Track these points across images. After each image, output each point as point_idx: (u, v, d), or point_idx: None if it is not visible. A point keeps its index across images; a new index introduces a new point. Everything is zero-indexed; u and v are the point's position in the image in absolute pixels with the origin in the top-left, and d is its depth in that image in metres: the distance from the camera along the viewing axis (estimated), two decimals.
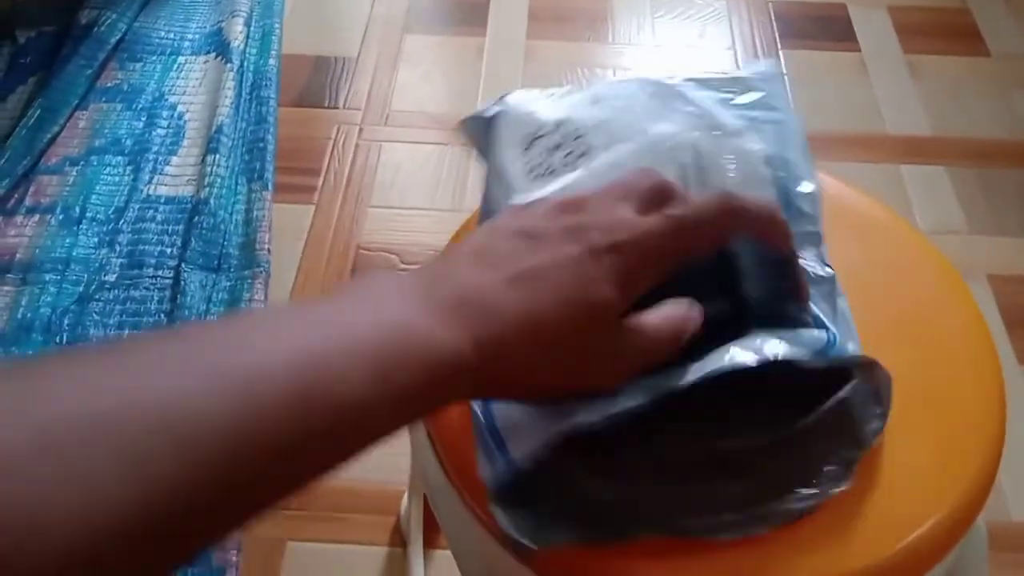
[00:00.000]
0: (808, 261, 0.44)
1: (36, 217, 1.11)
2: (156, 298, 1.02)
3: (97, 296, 1.02)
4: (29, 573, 0.20)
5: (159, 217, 1.11)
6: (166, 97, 1.27)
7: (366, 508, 0.86)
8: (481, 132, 0.48)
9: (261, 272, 1.04)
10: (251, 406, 0.25)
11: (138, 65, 1.32)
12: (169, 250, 1.07)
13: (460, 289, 0.32)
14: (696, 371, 0.36)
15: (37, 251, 1.07)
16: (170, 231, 1.09)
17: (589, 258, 0.33)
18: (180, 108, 1.25)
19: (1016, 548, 0.84)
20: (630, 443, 0.37)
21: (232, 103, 1.22)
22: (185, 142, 1.20)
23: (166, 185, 1.15)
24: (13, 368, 0.24)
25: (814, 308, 0.42)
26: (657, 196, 0.36)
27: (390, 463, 0.87)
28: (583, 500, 0.38)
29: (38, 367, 0.24)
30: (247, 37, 1.34)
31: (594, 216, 0.34)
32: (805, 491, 0.38)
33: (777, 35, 1.38)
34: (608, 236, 0.33)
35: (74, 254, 1.07)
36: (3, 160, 1.15)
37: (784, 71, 1.32)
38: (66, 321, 0.99)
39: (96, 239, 1.08)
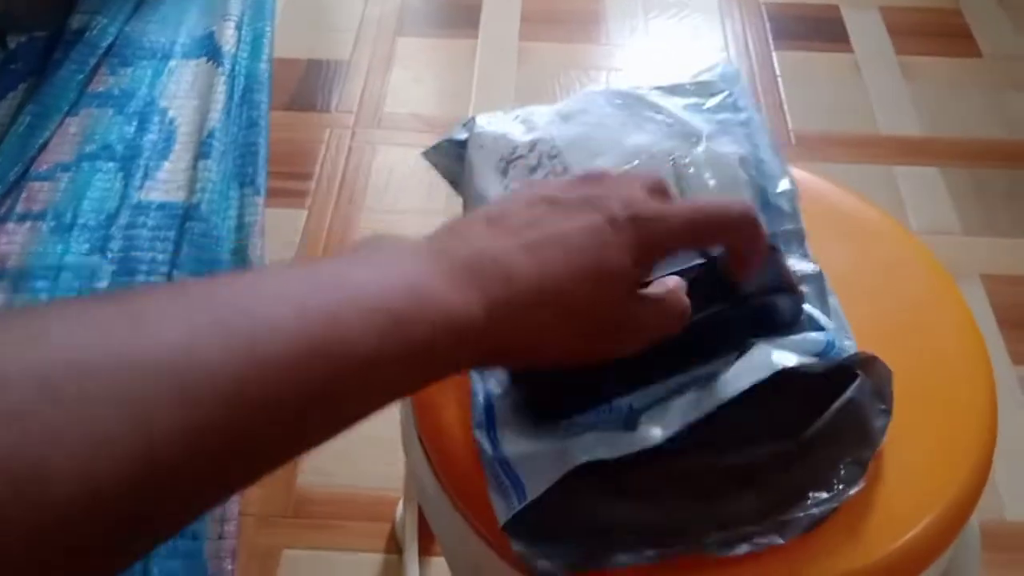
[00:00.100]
0: (794, 259, 0.44)
1: (27, 224, 1.10)
2: None
3: None
4: (28, 522, 0.20)
5: (151, 223, 1.10)
6: (157, 102, 1.26)
7: (362, 516, 0.86)
8: (452, 158, 0.47)
9: None
10: (256, 359, 0.24)
11: (129, 70, 1.31)
12: (161, 256, 1.07)
13: (473, 253, 0.31)
14: (724, 389, 0.36)
15: (29, 258, 1.06)
16: (162, 237, 1.08)
17: (608, 226, 0.32)
18: (171, 113, 1.25)
19: (1011, 548, 0.84)
20: (641, 460, 0.36)
21: (223, 107, 1.22)
22: (176, 147, 1.20)
23: (158, 191, 1.14)
24: (14, 314, 0.23)
25: (808, 308, 0.42)
26: (663, 190, 0.36)
27: (385, 471, 0.87)
28: (600, 523, 0.37)
29: (40, 312, 0.24)
30: (238, 41, 1.34)
31: (614, 190, 0.34)
32: (822, 495, 0.37)
33: (770, 36, 1.38)
34: (628, 208, 0.33)
35: (66, 261, 1.06)
36: None
37: (778, 72, 1.32)
38: None
39: (88, 245, 1.08)
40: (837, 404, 0.38)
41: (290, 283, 0.27)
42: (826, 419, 0.38)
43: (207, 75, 1.28)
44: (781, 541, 0.36)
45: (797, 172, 0.54)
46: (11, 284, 1.03)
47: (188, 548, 0.82)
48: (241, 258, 1.06)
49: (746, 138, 0.46)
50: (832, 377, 0.39)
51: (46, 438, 0.20)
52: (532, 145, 0.45)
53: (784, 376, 0.36)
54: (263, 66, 1.31)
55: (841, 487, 0.37)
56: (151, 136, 1.21)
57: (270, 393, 0.24)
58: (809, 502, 0.37)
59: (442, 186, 0.50)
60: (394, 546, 0.84)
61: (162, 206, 1.12)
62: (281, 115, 1.26)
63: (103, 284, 1.03)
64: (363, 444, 0.90)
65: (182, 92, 1.28)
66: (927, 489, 0.40)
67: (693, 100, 0.48)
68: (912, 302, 0.48)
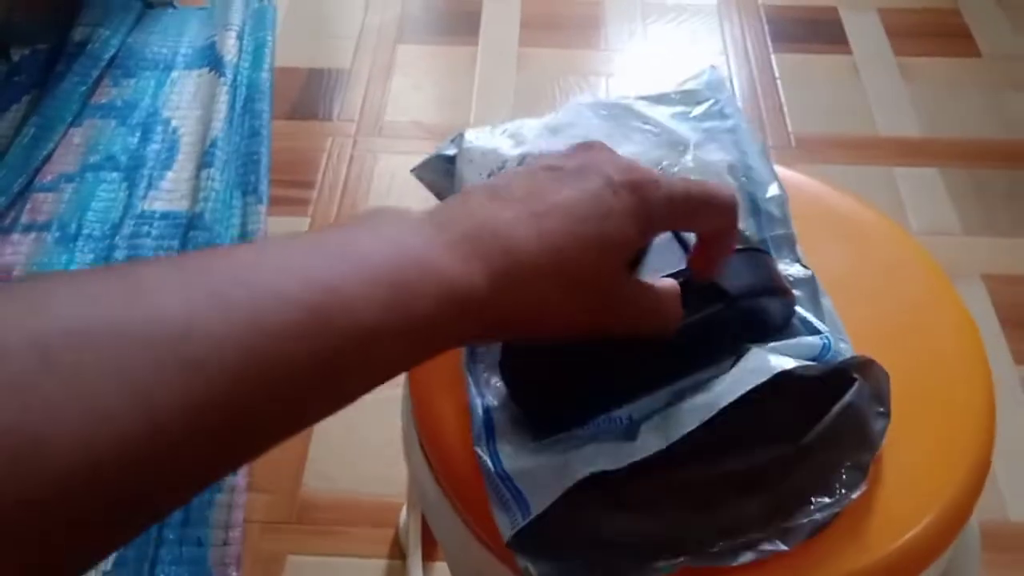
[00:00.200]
0: (785, 263, 0.45)
1: (32, 235, 1.11)
2: None
3: None
4: (28, 495, 0.20)
5: (154, 232, 1.11)
6: (160, 112, 1.27)
7: (365, 521, 0.86)
8: (441, 173, 0.47)
9: None
10: (259, 330, 0.24)
11: (132, 81, 1.32)
12: None
13: (475, 224, 0.31)
14: (723, 394, 0.36)
15: (34, 268, 1.07)
16: (166, 246, 1.09)
17: (608, 192, 0.32)
18: (174, 123, 1.25)
19: (1014, 548, 0.84)
20: (642, 471, 0.36)
21: (226, 117, 1.23)
22: (179, 157, 1.20)
23: (161, 200, 1.15)
24: (16, 283, 0.23)
25: (802, 312, 0.42)
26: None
27: (388, 476, 0.88)
28: (605, 536, 0.37)
29: (42, 282, 0.23)
30: (240, 51, 1.34)
31: (612, 156, 0.34)
32: (824, 500, 0.37)
33: (768, 39, 1.39)
34: (627, 174, 0.33)
35: (71, 271, 1.07)
36: None
37: (777, 75, 1.32)
38: None
39: (92, 255, 1.09)
40: (836, 408, 0.38)
41: (293, 253, 0.27)
42: (826, 424, 0.38)
43: (209, 85, 1.29)
44: (786, 548, 0.36)
45: (795, 175, 0.54)
46: None
47: (193, 555, 0.82)
48: None
49: (733, 145, 0.47)
50: (830, 381, 0.39)
51: (46, 411, 0.20)
52: (521, 159, 0.45)
53: (782, 381, 0.36)
54: (265, 75, 1.32)
55: (843, 491, 0.37)
56: (154, 146, 1.22)
57: (272, 366, 0.24)
58: (812, 507, 0.37)
59: None
60: (398, 552, 0.84)
61: (166, 215, 1.13)
62: (283, 124, 1.27)
63: None
64: (366, 450, 0.90)
65: (184, 102, 1.28)
66: (926, 490, 0.40)
67: (680, 109, 0.49)
68: (910, 304, 0.48)
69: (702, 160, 0.45)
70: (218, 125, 1.21)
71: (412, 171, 0.48)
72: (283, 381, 0.24)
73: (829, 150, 1.21)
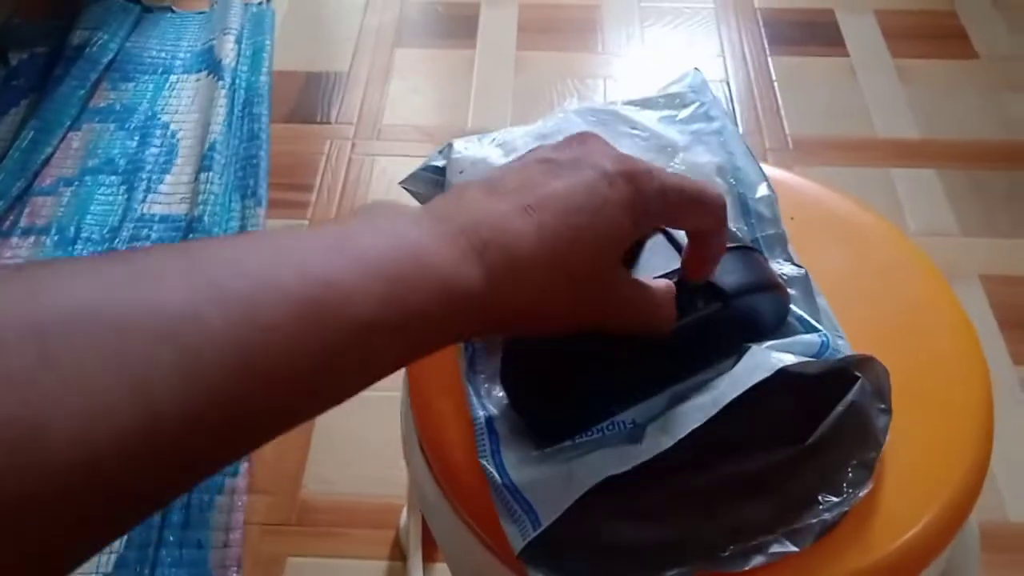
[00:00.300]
0: (778, 262, 0.45)
1: (31, 238, 1.11)
2: None
3: None
4: (26, 485, 0.19)
5: (154, 236, 1.11)
6: (159, 116, 1.27)
7: (365, 523, 0.86)
8: (430, 184, 0.47)
9: None
10: (256, 323, 0.24)
11: (130, 85, 1.32)
12: None
13: (472, 221, 0.31)
14: (727, 391, 0.36)
15: None
16: None
17: (603, 183, 0.32)
18: (173, 127, 1.26)
19: (1013, 548, 0.84)
20: (650, 478, 0.36)
21: (224, 120, 1.23)
22: (178, 160, 1.20)
23: (160, 204, 1.15)
24: (14, 269, 0.23)
25: (797, 310, 0.42)
26: None
27: (388, 478, 0.88)
28: (614, 545, 0.37)
29: (42, 268, 0.23)
30: (238, 54, 1.35)
31: (606, 148, 0.34)
32: (832, 499, 0.37)
33: (766, 41, 1.39)
34: (622, 164, 0.33)
35: None
36: None
37: (774, 77, 1.32)
38: None
39: None
40: (840, 408, 0.38)
41: (292, 246, 0.27)
42: (829, 423, 0.38)
43: (208, 89, 1.29)
44: (796, 549, 0.36)
45: (792, 177, 0.55)
46: None
47: (194, 557, 0.82)
48: None
49: (721, 147, 0.47)
50: (830, 381, 0.39)
51: (45, 404, 0.20)
52: None
53: (783, 382, 0.36)
54: (263, 79, 1.32)
55: (850, 490, 0.37)
56: (153, 150, 1.22)
57: (269, 360, 0.24)
58: (820, 507, 0.37)
59: None
60: (398, 553, 0.84)
61: (165, 219, 1.13)
62: (281, 127, 1.27)
63: None
64: (366, 452, 0.90)
65: (183, 106, 1.29)
66: (924, 490, 0.40)
67: (666, 112, 0.49)
68: (908, 305, 0.48)
69: (691, 163, 0.46)
70: (217, 129, 1.21)
71: (401, 184, 0.47)
72: (280, 375, 0.24)
73: (826, 152, 1.22)
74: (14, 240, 1.11)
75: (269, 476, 0.89)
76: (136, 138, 1.24)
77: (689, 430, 0.35)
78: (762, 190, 0.46)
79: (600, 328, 0.34)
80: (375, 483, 0.88)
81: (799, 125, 1.25)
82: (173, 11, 1.46)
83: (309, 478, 0.89)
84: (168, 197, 1.16)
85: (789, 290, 0.42)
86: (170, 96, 1.30)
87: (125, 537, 0.83)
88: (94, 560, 0.81)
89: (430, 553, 0.82)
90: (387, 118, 1.29)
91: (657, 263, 0.38)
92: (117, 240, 1.11)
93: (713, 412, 0.35)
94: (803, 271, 0.44)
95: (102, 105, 1.29)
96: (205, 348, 0.23)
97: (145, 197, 1.16)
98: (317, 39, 1.43)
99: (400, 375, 0.46)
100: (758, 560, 0.36)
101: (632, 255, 0.36)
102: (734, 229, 0.45)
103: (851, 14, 1.43)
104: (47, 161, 1.20)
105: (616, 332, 0.35)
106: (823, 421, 0.38)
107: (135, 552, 0.82)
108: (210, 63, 1.33)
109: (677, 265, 0.38)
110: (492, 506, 0.38)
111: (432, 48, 1.41)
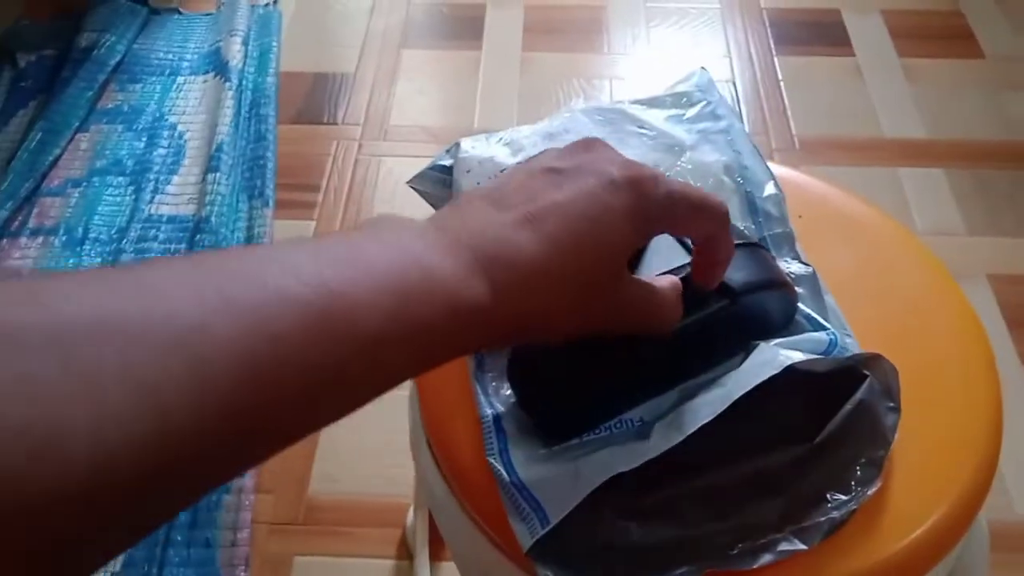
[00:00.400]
0: (786, 261, 0.45)
1: (40, 239, 1.12)
2: None
3: None
4: (44, 490, 0.20)
5: (161, 236, 1.11)
6: (166, 117, 1.28)
7: (372, 522, 0.86)
8: (437, 184, 0.47)
9: None
10: (265, 333, 0.24)
11: (138, 86, 1.33)
12: None
13: (476, 234, 0.31)
14: (735, 388, 0.36)
15: (41, 272, 1.08)
16: (172, 250, 1.10)
17: (607, 192, 0.32)
18: (180, 128, 1.26)
19: (1021, 548, 0.84)
20: (658, 477, 0.36)
21: (231, 121, 1.23)
22: (186, 161, 1.21)
23: (168, 204, 1.15)
24: (34, 279, 0.23)
25: (805, 308, 0.42)
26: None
27: (394, 476, 0.88)
28: (622, 544, 0.37)
29: (60, 279, 0.23)
30: (245, 56, 1.35)
31: (610, 155, 0.34)
32: (840, 497, 0.37)
33: (772, 42, 1.39)
34: (626, 170, 0.33)
35: None
36: (6, 183, 1.17)
37: (780, 77, 1.32)
38: None
39: (99, 259, 1.09)
40: (848, 406, 0.38)
41: (298, 260, 0.27)
42: (838, 421, 0.38)
43: (215, 90, 1.30)
44: (805, 547, 0.36)
45: (800, 176, 0.55)
46: None
47: (202, 556, 0.83)
48: None
49: (728, 145, 0.47)
50: (838, 379, 0.39)
51: (64, 410, 0.20)
52: None
53: (792, 380, 0.36)
54: (270, 80, 1.32)
55: (859, 488, 0.37)
56: (160, 151, 1.23)
57: (278, 371, 0.24)
58: (829, 505, 0.37)
59: None
60: (405, 552, 0.84)
61: (172, 219, 1.13)
62: (288, 128, 1.27)
63: None
64: (373, 451, 0.90)
65: (190, 107, 1.29)
66: (933, 488, 0.40)
67: (673, 112, 0.49)
68: (916, 304, 0.48)
69: (698, 161, 0.46)
70: (224, 130, 1.22)
71: (408, 183, 0.48)
72: (289, 385, 0.24)
73: (833, 152, 1.22)
74: (23, 240, 1.11)
75: (276, 475, 0.89)
76: (144, 139, 1.24)
77: (697, 426, 0.35)
78: (769, 188, 0.46)
79: (608, 331, 0.34)
80: (382, 482, 0.89)
81: (805, 125, 1.25)
82: (180, 13, 1.47)
83: (316, 477, 0.90)
84: (175, 198, 1.16)
85: (797, 288, 0.42)
86: (177, 97, 1.31)
87: None
88: None
89: (437, 551, 0.82)
90: (393, 119, 1.29)
91: (662, 259, 0.38)
92: (125, 240, 1.11)
93: (721, 409, 0.35)
94: (811, 269, 0.44)
95: (110, 106, 1.29)
96: (214, 358, 0.23)
97: (153, 198, 1.16)
98: (324, 40, 1.43)
99: None
100: (766, 558, 0.36)
101: (636, 254, 0.36)
102: (742, 227, 0.45)
103: (857, 14, 1.43)
104: (55, 162, 1.20)
105: (625, 333, 0.35)
106: (831, 419, 0.38)
107: (143, 551, 0.82)
108: (217, 64, 1.34)
109: (682, 260, 0.38)
110: (500, 504, 0.38)
111: (438, 49, 1.41)
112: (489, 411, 0.41)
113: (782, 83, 1.32)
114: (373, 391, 0.27)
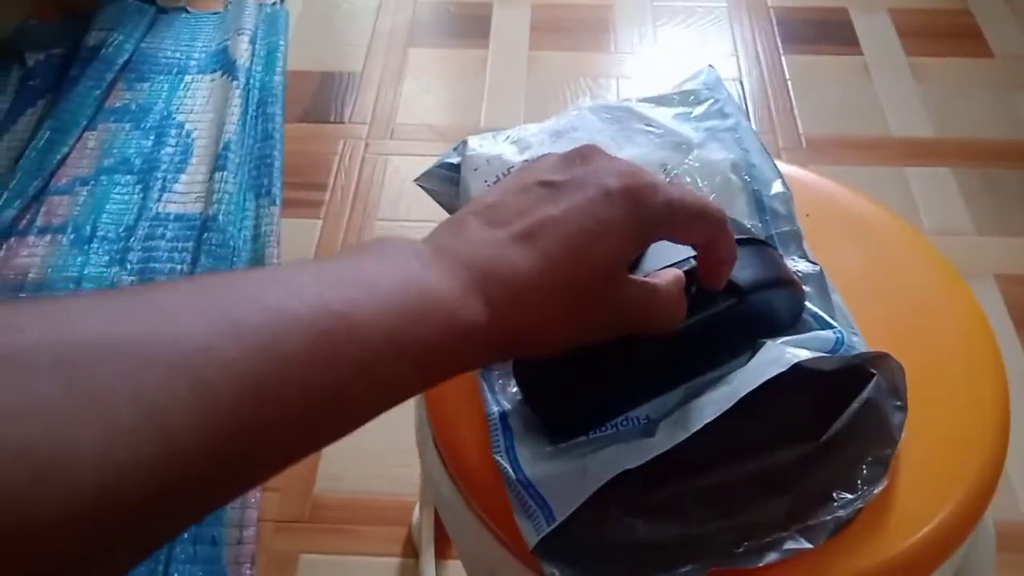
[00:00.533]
0: (793, 259, 0.45)
1: (48, 237, 1.12)
2: None
3: None
4: (48, 511, 0.20)
5: (169, 234, 1.12)
6: (174, 116, 1.28)
7: (378, 520, 0.87)
8: (445, 182, 0.47)
9: None
10: (271, 357, 0.24)
11: (145, 85, 1.33)
12: (179, 267, 1.08)
13: (472, 251, 0.31)
14: (741, 386, 0.36)
15: (49, 270, 1.08)
16: (180, 248, 1.10)
17: (605, 204, 0.32)
18: (188, 126, 1.26)
19: None
20: (664, 475, 0.36)
21: (239, 120, 1.24)
22: (193, 160, 1.21)
23: (175, 203, 1.16)
24: (42, 301, 0.23)
25: (812, 307, 0.42)
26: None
27: (400, 475, 0.88)
28: (628, 542, 0.37)
29: (67, 302, 0.24)
30: (252, 55, 1.35)
31: (608, 164, 0.34)
32: (846, 496, 0.37)
33: (779, 40, 1.39)
34: (624, 180, 0.33)
35: (85, 273, 1.08)
36: (14, 181, 1.17)
37: (787, 76, 1.32)
38: None
39: (107, 257, 1.10)
40: (855, 405, 0.38)
41: (301, 283, 0.27)
42: (844, 420, 0.38)
43: (222, 89, 1.30)
44: (810, 546, 0.36)
45: (807, 174, 0.55)
46: (32, 296, 1.05)
47: (208, 554, 0.83)
48: (258, 267, 1.08)
49: (735, 143, 0.47)
50: (845, 377, 0.39)
51: (69, 431, 0.20)
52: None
53: (798, 378, 0.36)
54: (277, 79, 1.33)
55: (865, 487, 0.37)
56: (168, 149, 1.23)
57: (285, 391, 0.24)
58: (835, 504, 0.37)
59: None
60: (410, 550, 0.84)
61: (180, 218, 1.14)
62: (295, 127, 1.28)
63: None
64: (378, 449, 0.90)
65: (198, 106, 1.29)
66: (939, 487, 0.40)
67: (681, 110, 0.49)
68: (923, 303, 0.48)
69: (705, 159, 0.46)
70: (231, 128, 1.22)
71: (416, 181, 0.48)
72: (291, 406, 0.25)
73: (840, 151, 1.21)
74: (31, 239, 1.12)
75: (282, 474, 0.90)
76: (151, 138, 1.25)
77: (703, 424, 0.35)
78: (777, 187, 0.46)
79: (612, 335, 0.34)
80: (387, 480, 0.89)
81: (813, 124, 1.25)
82: (188, 12, 1.47)
83: (322, 475, 0.90)
84: (183, 196, 1.17)
85: (804, 287, 0.42)
86: (185, 96, 1.31)
87: None
88: None
89: (442, 549, 0.83)
90: (400, 118, 1.29)
91: (665, 254, 0.38)
92: (132, 239, 1.11)
93: (727, 406, 0.35)
94: (818, 268, 0.44)
95: (118, 105, 1.30)
96: (219, 379, 0.23)
97: (160, 196, 1.17)
98: (331, 39, 1.44)
99: None
100: (772, 557, 0.36)
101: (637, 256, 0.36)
102: (748, 226, 0.45)
103: (865, 13, 1.42)
104: (63, 160, 1.21)
105: (629, 333, 0.35)
106: (838, 418, 0.38)
107: None
108: (224, 63, 1.34)
109: (684, 255, 0.38)
110: (506, 502, 0.38)
111: (445, 48, 1.41)
112: (495, 409, 0.41)
113: (789, 82, 1.32)
114: (371, 411, 0.28)
